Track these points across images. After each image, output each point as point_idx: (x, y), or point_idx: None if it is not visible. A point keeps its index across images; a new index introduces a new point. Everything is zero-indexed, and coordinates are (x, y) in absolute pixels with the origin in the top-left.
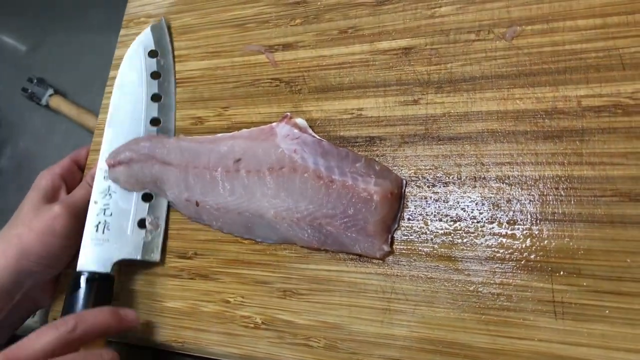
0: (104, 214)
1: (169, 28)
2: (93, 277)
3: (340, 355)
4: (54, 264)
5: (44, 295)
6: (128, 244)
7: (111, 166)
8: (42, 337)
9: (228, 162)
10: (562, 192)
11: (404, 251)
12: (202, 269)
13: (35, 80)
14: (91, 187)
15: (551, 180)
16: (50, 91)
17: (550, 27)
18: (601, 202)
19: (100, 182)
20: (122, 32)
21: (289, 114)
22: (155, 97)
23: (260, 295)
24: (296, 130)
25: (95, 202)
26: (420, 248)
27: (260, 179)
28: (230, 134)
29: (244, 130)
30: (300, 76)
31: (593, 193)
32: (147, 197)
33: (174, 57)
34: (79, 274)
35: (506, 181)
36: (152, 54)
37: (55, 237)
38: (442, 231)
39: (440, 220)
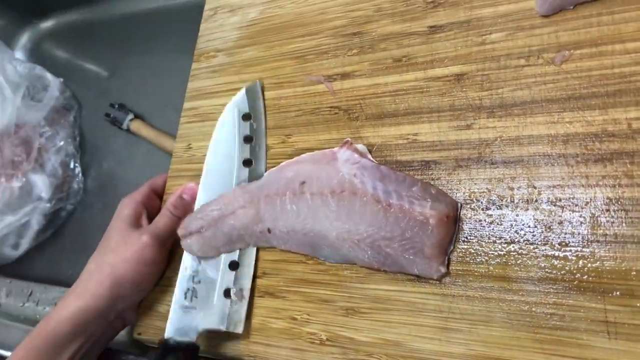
0: (193, 281)
1: (262, 90)
2: (179, 346)
3: None
4: (143, 288)
5: (132, 313)
6: (213, 314)
7: (183, 237)
8: None
9: (294, 186)
10: (613, 213)
11: (460, 272)
12: (271, 288)
13: (117, 106)
14: (172, 214)
15: (602, 202)
16: (131, 116)
17: (599, 51)
18: None
19: (188, 264)
20: (194, 65)
21: (349, 139)
22: (246, 162)
23: (325, 313)
24: (356, 155)
25: (186, 269)
26: (475, 269)
27: (323, 201)
28: (294, 159)
29: (308, 153)
30: (358, 104)
31: None
32: (233, 266)
33: (266, 120)
34: (167, 341)
35: (558, 204)
36: (245, 117)
37: (145, 265)
38: (497, 253)
39: (495, 242)
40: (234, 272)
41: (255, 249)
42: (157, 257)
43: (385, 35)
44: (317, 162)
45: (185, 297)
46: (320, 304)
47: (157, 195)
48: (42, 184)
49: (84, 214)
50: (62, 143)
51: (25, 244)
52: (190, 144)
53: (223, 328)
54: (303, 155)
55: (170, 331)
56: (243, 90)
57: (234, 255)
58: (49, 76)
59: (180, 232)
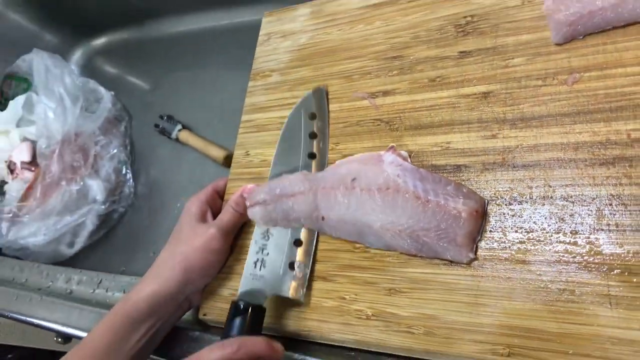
0: (262, 252)
1: (326, 94)
2: (249, 307)
3: (436, 340)
4: (209, 274)
5: (197, 297)
6: (279, 283)
7: (250, 206)
8: (212, 353)
9: (347, 181)
10: (615, 207)
11: (487, 257)
12: (323, 272)
13: (165, 117)
14: (235, 210)
15: (606, 198)
16: (179, 126)
17: (603, 74)
18: None
19: (261, 225)
20: (250, 83)
21: (394, 145)
22: (311, 155)
23: (370, 293)
24: (399, 159)
25: (256, 242)
26: (500, 254)
27: (370, 196)
28: (347, 158)
29: (358, 155)
30: (398, 117)
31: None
32: (297, 243)
33: (329, 120)
34: (238, 303)
35: (569, 199)
36: (311, 116)
37: (212, 254)
38: (518, 240)
39: (516, 231)
40: (297, 249)
41: (316, 231)
42: (222, 247)
43: (422, 59)
44: (365, 163)
45: (255, 266)
46: (366, 286)
47: (219, 196)
48: (97, 188)
49: (134, 217)
50: (115, 151)
51: (79, 242)
52: (248, 151)
53: (287, 295)
54: (354, 155)
55: (241, 294)
56: (310, 92)
57: (298, 234)
58: (101, 89)
59: (247, 201)
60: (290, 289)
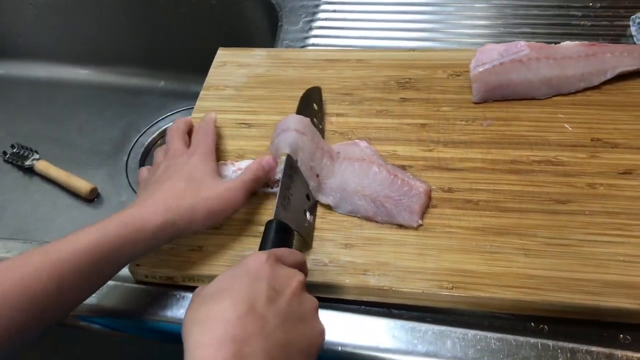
0: (289, 191)
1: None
2: (282, 225)
3: (390, 279)
4: (214, 224)
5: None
6: (298, 220)
7: (275, 135)
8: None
9: (333, 153)
10: (519, 197)
11: (429, 223)
12: None
13: (17, 147)
14: (255, 174)
15: (512, 192)
16: (37, 156)
17: (508, 123)
18: (545, 203)
19: (287, 175)
20: (203, 92)
21: (366, 138)
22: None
23: (328, 247)
24: (371, 146)
25: (284, 183)
26: (438, 222)
27: (350, 164)
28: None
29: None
30: (350, 131)
31: (540, 199)
32: (308, 197)
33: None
34: (273, 220)
35: (490, 192)
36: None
37: (232, 205)
38: (451, 213)
39: (449, 208)
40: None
41: None
42: (242, 201)
43: (369, 98)
44: (346, 145)
45: (284, 200)
46: (324, 242)
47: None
48: None
49: None
50: None
51: None
52: None
53: (301, 232)
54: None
55: (276, 215)
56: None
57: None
58: None
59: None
60: (303, 230)
